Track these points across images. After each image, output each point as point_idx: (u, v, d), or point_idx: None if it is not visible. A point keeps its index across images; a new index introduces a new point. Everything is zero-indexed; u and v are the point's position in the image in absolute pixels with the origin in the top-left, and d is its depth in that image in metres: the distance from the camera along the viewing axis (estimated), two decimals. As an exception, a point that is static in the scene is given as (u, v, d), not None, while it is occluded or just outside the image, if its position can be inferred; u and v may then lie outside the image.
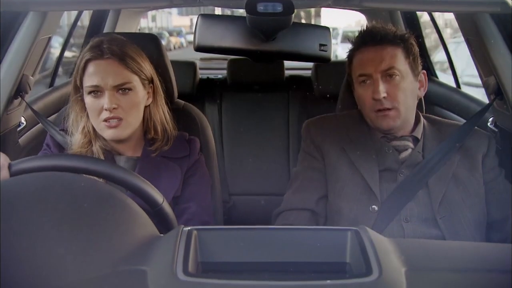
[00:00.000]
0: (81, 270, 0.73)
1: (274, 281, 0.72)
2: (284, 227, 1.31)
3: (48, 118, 1.95)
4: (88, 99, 1.41)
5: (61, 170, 1.06)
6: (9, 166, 1.07)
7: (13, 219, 0.76)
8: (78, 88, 1.44)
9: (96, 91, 1.40)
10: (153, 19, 27.43)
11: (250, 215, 2.48)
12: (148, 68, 1.46)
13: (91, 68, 1.40)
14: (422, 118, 1.57)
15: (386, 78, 1.47)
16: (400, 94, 1.47)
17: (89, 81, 1.40)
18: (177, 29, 24.65)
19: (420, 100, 1.61)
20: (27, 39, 1.54)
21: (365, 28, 1.56)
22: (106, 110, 1.38)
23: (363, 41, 1.52)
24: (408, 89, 1.49)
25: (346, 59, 1.58)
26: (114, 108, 1.38)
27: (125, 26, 3.08)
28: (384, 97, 1.46)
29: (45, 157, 1.20)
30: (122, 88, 1.40)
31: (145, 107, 1.48)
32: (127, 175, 1.10)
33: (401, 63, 1.48)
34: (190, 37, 17.54)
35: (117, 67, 1.40)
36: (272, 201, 1.66)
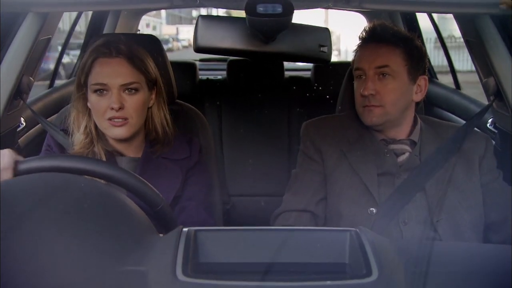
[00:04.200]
0: (81, 271, 0.73)
1: (274, 282, 0.72)
2: (283, 227, 1.31)
3: (48, 119, 1.96)
4: (93, 98, 1.41)
5: (62, 171, 1.05)
6: (16, 164, 1.06)
7: (13, 219, 0.76)
8: (82, 86, 1.44)
9: (102, 89, 1.39)
10: (154, 28, 34.01)
11: (250, 216, 2.47)
12: (153, 69, 1.47)
13: (99, 66, 1.40)
14: (419, 121, 1.57)
15: (379, 76, 1.47)
16: (390, 94, 1.47)
17: (96, 79, 1.39)
18: (175, 36, 31.04)
19: (420, 102, 1.60)
20: (27, 40, 1.54)
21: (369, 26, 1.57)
22: (112, 109, 1.38)
23: (365, 38, 1.53)
24: (400, 91, 1.48)
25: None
26: (120, 108, 1.38)
27: (125, 27, 3.08)
28: (372, 94, 1.47)
29: (47, 157, 1.20)
30: (129, 88, 1.40)
31: (147, 108, 1.48)
32: (127, 176, 1.10)
33: (397, 64, 1.47)
34: (183, 43, 29.45)
35: (126, 66, 1.40)
36: (272, 202, 1.65)
